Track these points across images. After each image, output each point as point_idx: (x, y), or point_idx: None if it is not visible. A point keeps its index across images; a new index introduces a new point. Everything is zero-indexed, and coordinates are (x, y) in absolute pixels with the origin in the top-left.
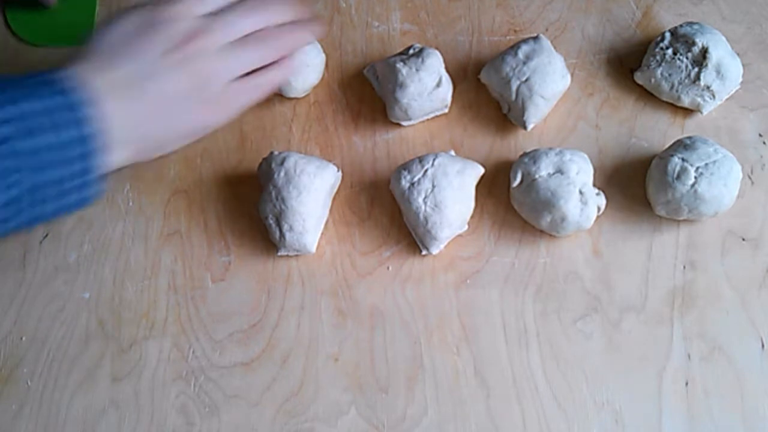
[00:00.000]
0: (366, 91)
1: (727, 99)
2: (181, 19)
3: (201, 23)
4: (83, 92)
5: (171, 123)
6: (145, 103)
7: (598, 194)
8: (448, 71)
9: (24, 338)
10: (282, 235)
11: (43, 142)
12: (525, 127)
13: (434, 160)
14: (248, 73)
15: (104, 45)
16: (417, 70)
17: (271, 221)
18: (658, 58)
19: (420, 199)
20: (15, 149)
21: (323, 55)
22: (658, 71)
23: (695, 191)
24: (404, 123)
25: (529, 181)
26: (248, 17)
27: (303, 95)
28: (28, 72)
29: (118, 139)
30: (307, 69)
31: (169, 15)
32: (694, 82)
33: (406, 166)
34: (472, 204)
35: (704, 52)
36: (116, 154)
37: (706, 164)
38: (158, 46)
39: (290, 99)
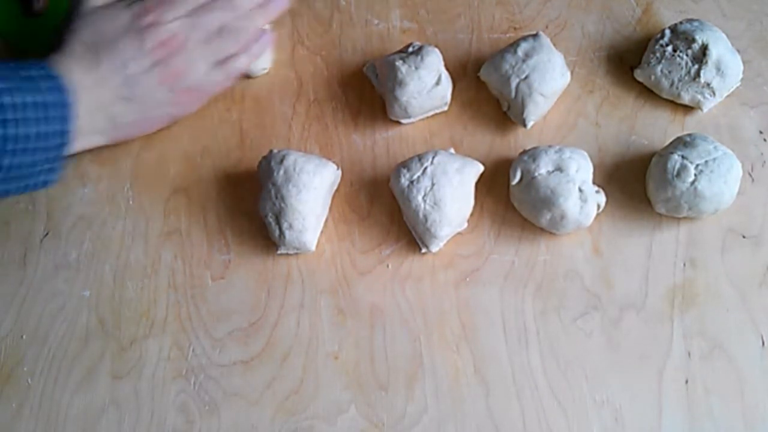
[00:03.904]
0: (365, 89)
1: (727, 96)
2: (157, 25)
3: (176, 27)
4: (71, 89)
5: (145, 115)
6: (123, 101)
7: (597, 192)
8: (447, 69)
9: (24, 336)
10: (282, 233)
11: (32, 131)
12: (525, 125)
13: (434, 158)
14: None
15: (87, 42)
16: (416, 68)
17: (270, 219)
18: (658, 55)
19: (419, 197)
20: (5, 134)
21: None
22: (658, 68)
23: (695, 189)
24: (404, 121)
25: (528, 179)
26: (215, 14)
27: (261, 74)
28: (24, 60)
29: (93, 129)
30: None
31: (147, 21)
32: (694, 79)
33: (405, 164)
34: (472, 202)
35: (704, 49)
36: (86, 142)
37: (706, 162)
38: (136, 51)
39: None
